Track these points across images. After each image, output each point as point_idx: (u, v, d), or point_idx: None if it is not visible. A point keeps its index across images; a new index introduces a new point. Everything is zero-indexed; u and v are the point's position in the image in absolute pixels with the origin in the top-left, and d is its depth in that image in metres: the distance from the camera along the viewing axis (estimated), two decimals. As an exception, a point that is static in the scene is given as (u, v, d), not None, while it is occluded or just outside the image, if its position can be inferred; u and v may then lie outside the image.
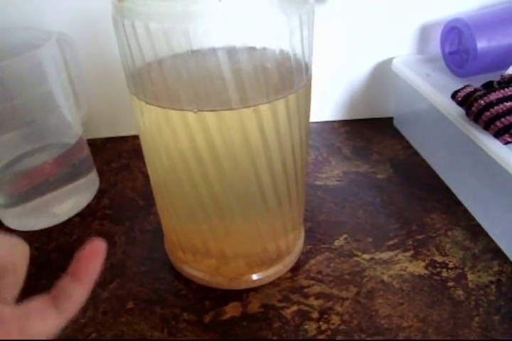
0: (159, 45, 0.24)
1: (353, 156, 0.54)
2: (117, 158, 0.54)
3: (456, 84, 0.46)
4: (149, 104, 0.26)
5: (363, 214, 0.44)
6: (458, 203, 0.45)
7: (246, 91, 0.25)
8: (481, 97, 0.38)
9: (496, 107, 0.37)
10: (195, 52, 0.24)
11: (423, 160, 0.52)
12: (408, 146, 0.55)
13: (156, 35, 0.24)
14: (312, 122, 0.61)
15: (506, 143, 0.37)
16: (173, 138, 0.27)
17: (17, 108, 0.38)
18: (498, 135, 0.37)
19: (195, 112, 0.25)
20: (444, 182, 0.48)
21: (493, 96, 0.38)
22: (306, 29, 0.25)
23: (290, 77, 0.26)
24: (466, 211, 0.44)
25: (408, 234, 0.42)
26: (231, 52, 0.24)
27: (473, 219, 0.43)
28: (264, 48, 0.25)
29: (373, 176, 0.50)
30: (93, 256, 0.20)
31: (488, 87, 0.41)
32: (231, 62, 0.24)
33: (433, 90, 0.47)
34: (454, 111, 0.42)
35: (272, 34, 0.24)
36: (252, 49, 0.25)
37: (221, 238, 0.33)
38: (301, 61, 0.27)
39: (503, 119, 0.37)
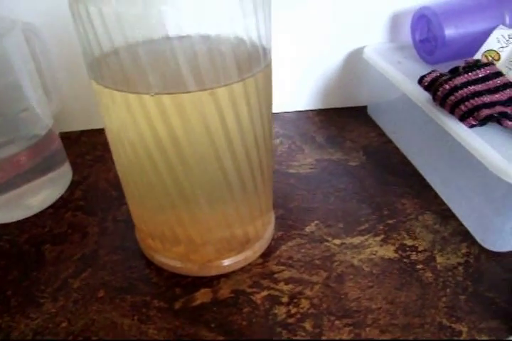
0: (114, 31, 0.24)
1: (327, 144, 0.54)
2: (92, 150, 0.54)
3: (426, 71, 0.47)
4: (108, 88, 0.26)
5: (335, 201, 0.45)
6: (429, 188, 0.46)
7: (201, 74, 0.25)
8: (446, 82, 0.39)
9: (460, 91, 0.38)
10: (150, 40, 0.24)
11: (396, 148, 0.53)
12: (381, 134, 0.55)
13: (109, 20, 0.24)
14: (287, 112, 0.61)
15: (471, 126, 0.37)
16: (133, 124, 0.27)
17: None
18: (462, 118, 0.38)
19: (152, 95, 0.25)
20: (416, 169, 0.49)
21: (458, 81, 0.38)
22: (261, 12, 0.25)
23: (246, 60, 0.26)
24: (436, 196, 0.45)
25: (379, 219, 0.42)
26: (185, 37, 0.24)
27: (444, 203, 0.44)
28: (219, 34, 0.25)
29: (346, 163, 0.50)
30: None
31: (454, 72, 0.41)
32: (185, 46, 0.24)
33: (403, 77, 0.47)
34: (422, 97, 0.43)
35: (226, 17, 0.24)
36: (206, 36, 0.25)
37: (188, 225, 0.33)
38: (258, 45, 0.27)
39: (467, 103, 0.37)
